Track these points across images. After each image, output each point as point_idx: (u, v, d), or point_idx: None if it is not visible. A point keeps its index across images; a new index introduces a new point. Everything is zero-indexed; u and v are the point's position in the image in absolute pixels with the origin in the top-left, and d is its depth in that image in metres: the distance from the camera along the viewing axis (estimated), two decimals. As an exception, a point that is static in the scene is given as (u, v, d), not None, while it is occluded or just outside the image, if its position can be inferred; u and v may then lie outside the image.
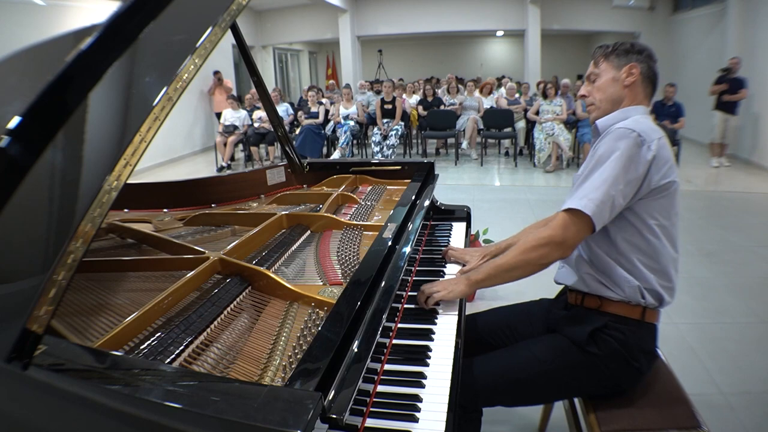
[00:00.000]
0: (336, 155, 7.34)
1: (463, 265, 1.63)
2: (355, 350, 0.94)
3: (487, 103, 7.98)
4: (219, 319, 1.11)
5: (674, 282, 1.31)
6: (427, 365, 1.14)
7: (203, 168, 8.00)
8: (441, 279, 1.49)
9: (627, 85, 1.33)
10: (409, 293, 1.45)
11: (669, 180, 1.24)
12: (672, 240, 1.29)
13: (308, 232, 1.66)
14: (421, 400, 1.02)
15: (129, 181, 0.89)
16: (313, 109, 7.76)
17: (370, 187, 2.17)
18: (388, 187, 2.15)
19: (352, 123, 7.54)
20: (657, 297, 1.29)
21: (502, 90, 8.42)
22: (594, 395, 1.35)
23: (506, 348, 1.42)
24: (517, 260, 1.28)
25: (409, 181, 2.03)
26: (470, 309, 1.51)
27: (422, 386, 1.06)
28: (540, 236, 1.26)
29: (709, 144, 7.12)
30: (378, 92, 8.70)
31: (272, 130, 6.59)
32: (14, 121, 0.87)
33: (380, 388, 1.06)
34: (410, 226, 1.54)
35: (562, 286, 1.47)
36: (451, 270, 1.62)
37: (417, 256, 1.68)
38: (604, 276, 1.30)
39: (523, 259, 1.27)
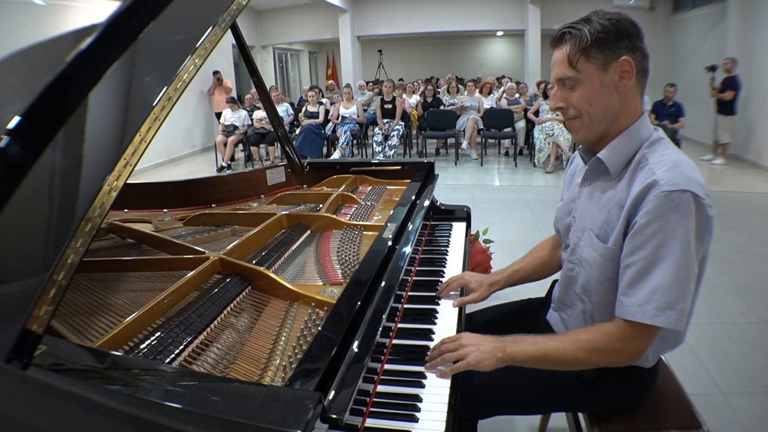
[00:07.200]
0: (336, 155, 7.34)
1: (462, 292, 1.45)
2: (355, 350, 0.94)
3: (487, 103, 7.98)
4: (219, 319, 1.11)
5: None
6: (427, 365, 1.14)
7: (203, 168, 8.00)
8: (470, 336, 1.17)
9: (623, 90, 1.02)
10: (409, 293, 1.45)
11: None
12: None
13: (308, 232, 1.66)
14: (421, 400, 1.01)
15: (129, 181, 0.89)
16: (313, 109, 7.76)
17: (370, 187, 2.17)
18: (388, 187, 2.15)
19: (351, 124, 7.55)
20: (670, 348, 1.20)
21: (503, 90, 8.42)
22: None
23: None
24: (568, 357, 1.06)
25: (409, 181, 2.03)
26: (470, 308, 1.50)
27: (422, 386, 1.06)
28: (600, 342, 1.04)
29: (713, 142, 7.14)
30: (379, 93, 8.71)
31: (272, 130, 6.60)
32: (14, 121, 0.87)
33: (380, 388, 1.05)
34: (410, 226, 1.54)
35: None
36: (451, 270, 1.61)
37: (417, 256, 1.68)
38: None
39: (575, 359, 1.06)
